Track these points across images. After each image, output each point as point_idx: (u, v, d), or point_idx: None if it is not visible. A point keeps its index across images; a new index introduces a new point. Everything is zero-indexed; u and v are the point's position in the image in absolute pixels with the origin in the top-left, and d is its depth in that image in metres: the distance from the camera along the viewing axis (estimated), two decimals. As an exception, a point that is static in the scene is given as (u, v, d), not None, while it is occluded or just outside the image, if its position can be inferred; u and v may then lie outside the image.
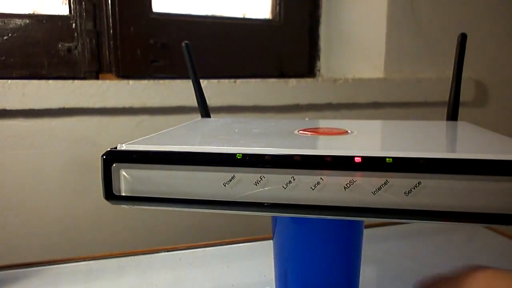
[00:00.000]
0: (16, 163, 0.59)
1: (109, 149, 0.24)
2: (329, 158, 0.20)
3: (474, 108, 0.81)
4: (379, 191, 0.20)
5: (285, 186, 0.21)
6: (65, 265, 0.48)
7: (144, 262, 0.49)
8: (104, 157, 0.23)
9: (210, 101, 0.65)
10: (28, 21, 0.65)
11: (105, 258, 0.49)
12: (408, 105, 0.76)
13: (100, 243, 0.64)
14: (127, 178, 0.23)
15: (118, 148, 0.24)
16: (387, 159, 0.19)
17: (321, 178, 0.20)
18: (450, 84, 0.39)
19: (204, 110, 0.41)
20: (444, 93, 0.77)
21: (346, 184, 0.20)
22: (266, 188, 0.21)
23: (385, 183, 0.20)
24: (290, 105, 0.69)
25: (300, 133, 0.28)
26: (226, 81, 0.65)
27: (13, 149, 0.59)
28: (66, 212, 0.62)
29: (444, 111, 0.81)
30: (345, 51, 0.83)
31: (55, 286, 0.43)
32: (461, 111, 0.79)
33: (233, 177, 0.21)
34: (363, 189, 0.20)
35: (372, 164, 0.20)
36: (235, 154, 0.21)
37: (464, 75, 0.78)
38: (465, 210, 0.19)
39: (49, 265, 0.47)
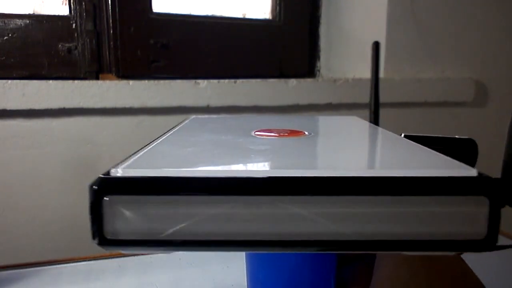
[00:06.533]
0: (16, 163, 0.59)
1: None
2: None
3: (474, 108, 0.81)
4: None
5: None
6: (65, 265, 0.48)
7: (144, 262, 0.49)
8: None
9: (210, 101, 0.65)
10: (28, 21, 0.65)
11: (105, 258, 0.49)
12: (408, 105, 0.76)
13: (100, 243, 0.64)
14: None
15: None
16: None
17: None
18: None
19: (375, 111, 0.39)
20: (444, 93, 0.77)
21: None
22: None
23: None
24: (290, 105, 0.69)
25: (256, 134, 0.26)
26: (226, 81, 0.65)
27: (13, 149, 0.59)
28: (66, 212, 0.62)
29: (444, 111, 0.82)
30: (345, 51, 0.83)
31: (55, 286, 0.43)
32: (461, 111, 0.80)
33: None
34: None
35: None
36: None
37: (464, 75, 0.78)
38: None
39: (49, 265, 0.47)
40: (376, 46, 0.39)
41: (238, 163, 0.20)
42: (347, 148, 0.25)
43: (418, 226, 0.16)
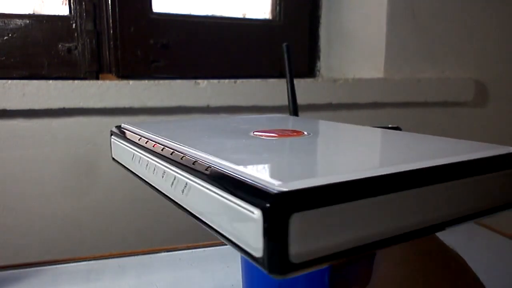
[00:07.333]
0: (16, 163, 0.59)
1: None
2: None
3: (474, 108, 0.81)
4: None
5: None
6: (65, 265, 0.48)
7: (144, 262, 0.49)
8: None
9: (210, 101, 0.65)
10: (28, 21, 0.65)
11: (105, 258, 0.49)
12: (408, 105, 0.76)
13: (100, 243, 0.64)
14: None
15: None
16: None
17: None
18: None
19: (294, 110, 0.40)
20: (444, 93, 0.77)
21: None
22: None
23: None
24: (290, 105, 0.69)
25: (255, 134, 0.26)
26: (226, 81, 0.65)
27: (13, 149, 0.59)
28: (66, 212, 0.62)
29: (444, 111, 0.82)
30: (345, 51, 0.83)
31: (55, 286, 0.43)
32: (461, 111, 0.80)
33: None
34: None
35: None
36: None
37: (464, 75, 0.78)
38: None
39: (49, 265, 0.47)
40: (287, 48, 0.39)
41: (367, 160, 0.21)
42: (386, 145, 0.26)
43: (487, 197, 0.19)
